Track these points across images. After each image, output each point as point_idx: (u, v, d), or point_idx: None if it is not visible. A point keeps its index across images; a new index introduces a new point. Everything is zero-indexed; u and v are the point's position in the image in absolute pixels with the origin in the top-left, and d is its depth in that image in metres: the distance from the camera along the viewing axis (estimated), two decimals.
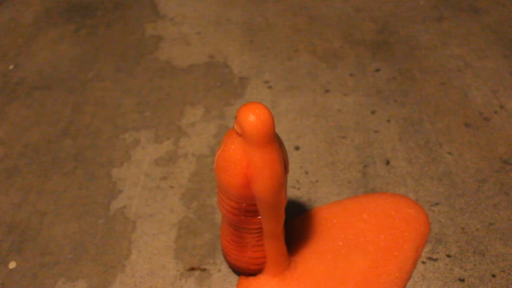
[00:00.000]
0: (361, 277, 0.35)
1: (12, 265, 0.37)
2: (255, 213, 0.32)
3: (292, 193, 0.42)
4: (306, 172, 0.44)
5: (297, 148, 0.46)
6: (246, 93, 0.52)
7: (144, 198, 0.42)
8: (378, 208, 0.40)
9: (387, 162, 0.45)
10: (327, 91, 0.53)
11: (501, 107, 0.49)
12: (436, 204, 0.41)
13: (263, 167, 0.30)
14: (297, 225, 0.39)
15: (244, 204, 0.32)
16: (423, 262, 0.37)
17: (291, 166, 0.45)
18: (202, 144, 0.47)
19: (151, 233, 0.40)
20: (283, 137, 0.47)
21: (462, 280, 0.36)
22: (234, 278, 0.36)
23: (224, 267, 0.37)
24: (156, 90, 0.53)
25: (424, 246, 0.37)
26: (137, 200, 0.42)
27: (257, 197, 0.31)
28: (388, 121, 0.49)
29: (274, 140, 0.30)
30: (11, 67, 0.57)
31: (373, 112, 0.50)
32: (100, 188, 0.43)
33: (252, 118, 0.29)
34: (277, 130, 0.46)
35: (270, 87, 0.53)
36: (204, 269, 0.37)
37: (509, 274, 0.36)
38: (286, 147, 0.47)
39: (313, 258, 0.36)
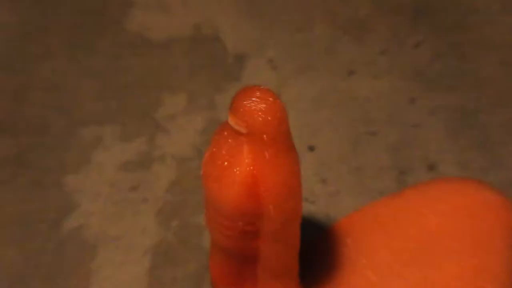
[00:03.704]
0: (459, 283, 0.35)
1: None
2: (256, 234, 0.32)
3: (304, 208, 0.41)
4: (323, 181, 0.44)
5: (311, 149, 0.46)
6: (243, 76, 0.52)
7: (108, 215, 0.42)
8: (449, 197, 0.39)
9: (431, 167, 0.45)
10: (351, 73, 0.52)
11: None
12: None
13: (277, 174, 0.30)
14: (326, 239, 0.39)
15: (241, 223, 0.32)
16: None
17: (303, 172, 0.44)
18: (185, 143, 0.47)
19: (117, 261, 0.40)
20: (292, 133, 0.47)
21: None
22: None
23: None
24: (124, 71, 0.53)
25: None
26: (99, 218, 0.42)
27: (267, 214, 0.31)
28: (432, 112, 0.49)
29: (289, 137, 0.31)
30: None
31: (412, 100, 0.50)
32: (49, 202, 0.43)
33: (259, 108, 0.29)
34: None
35: (275, 68, 0.53)
36: None
37: None
38: (297, 147, 0.47)
39: (384, 274, 0.36)
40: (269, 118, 0.30)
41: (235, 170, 0.30)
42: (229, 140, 0.31)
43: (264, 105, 0.29)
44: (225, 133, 0.31)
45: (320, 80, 0.52)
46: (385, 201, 0.41)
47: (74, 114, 0.49)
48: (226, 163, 0.31)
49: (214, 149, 0.31)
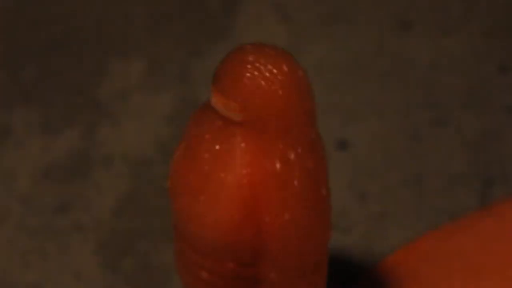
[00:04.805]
0: None
1: None
2: (255, 282, 0.32)
3: (333, 239, 0.40)
4: (362, 196, 0.44)
5: (342, 146, 0.46)
6: (234, 31, 0.52)
7: (19, 252, 0.42)
8: None
9: None
10: (406, 25, 0.52)
11: None
12: None
13: (292, 187, 0.30)
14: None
15: (231, 264, 0.31)
16: None
17: (331, 183, 0.45)
18: (142, 136, 0.47)
19: None
20: None
21: None
22: None
23: None
24: (47, 22, 0.53)
25: None
26: (4, 255, 0.42)
27: (272, 251, 0.31)
28: None
29: (313, 127, 0.30)
30: None
31: (503, 69, 0.50)
32: None
33: (262, 81, 0.29)
34: None
35: (286, 18, 0.53)
36: None
37: None
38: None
39: None
40: (280, 95, 0.29)
41: (222, 177, 0.30)
42: (214, 133, 0.30)
43: (271, 75, 0.29)
44: (207, 120, 0.30)
45: (357, 38, 0.52)
46: (465, 224, 0.41)
47: None
48: (208, 167, 0.30)
49: (189, 146, 0.31)
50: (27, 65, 0.51)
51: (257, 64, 0.29)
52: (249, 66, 0.29)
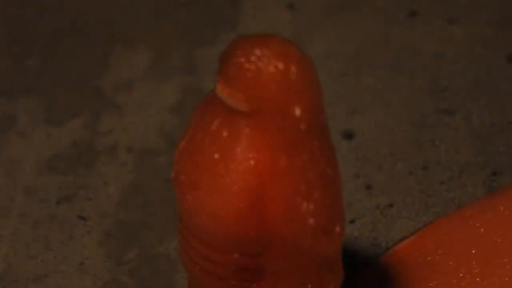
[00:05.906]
0: None
1: None
2: (260, 273, 0.32)
3: None
4: (368, 187, 0.44)
5: (348, 136, 0.46)
6: (241, 19, 0.52)
7: (23, 242, 0.42)
8: None
9: None
10: (413, 14, 0.52)
11: None
12: None
13: (300, 179, 0.30)
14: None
15: (236, 255, 0.31)
16: None
17: None
18: (147, 126, 0.47)
19: None
20: None
21: None
22: None
23: None
24: (51, 12, 0.53)
25: None
26: (8, 246, 0.42)
27: (279, 242, 0.31)
28: None
29: (321, 118, 0.30)
30: None
31: (510, 58, 0.50)
32: None
33: (269, 70, 0.29)
34: None
35: (291, 8, 0.53)
36: None
37: None
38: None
39: None
40: (286, 84, 0.29)
41: (228, 167, 0.30)
42: (219, 123, 0.30)
43: (276, 65, 0.29)
44: (212, 110, 0.30)
45: (362, 27, 0.52)
46: (473, 210, 0.41)
47: None
48: (213, 157, 0.30)
49: (195, 137, 0.31)
50: (31, 54, 0.51)
51: (262, 54, 0.29)
52: (254, 56, 0.29)
